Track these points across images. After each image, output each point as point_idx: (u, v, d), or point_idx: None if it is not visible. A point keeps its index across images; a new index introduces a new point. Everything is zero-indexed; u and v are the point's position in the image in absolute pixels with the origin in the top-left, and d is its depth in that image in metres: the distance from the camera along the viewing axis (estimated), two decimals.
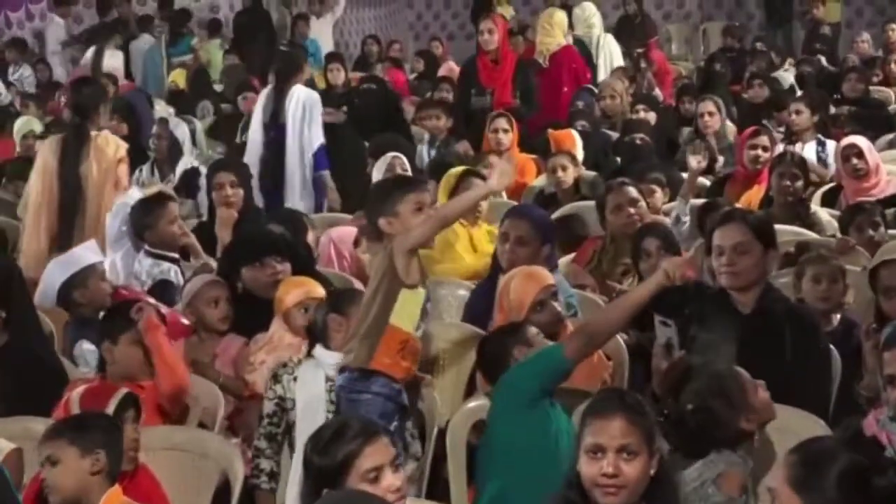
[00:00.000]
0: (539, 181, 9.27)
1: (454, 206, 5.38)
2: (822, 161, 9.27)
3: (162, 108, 12.85)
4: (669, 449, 4.02)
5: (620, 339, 5.63)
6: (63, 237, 7.54)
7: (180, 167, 9.79)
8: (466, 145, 10.07)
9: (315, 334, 5.19)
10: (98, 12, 17.54)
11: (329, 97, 11.57)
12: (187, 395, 5.17)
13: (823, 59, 14.83)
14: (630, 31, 15.72)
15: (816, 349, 5.21)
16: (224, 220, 7.31)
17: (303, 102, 9.46)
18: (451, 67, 14.46)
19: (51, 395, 4.74)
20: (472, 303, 6.31)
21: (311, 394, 5.00)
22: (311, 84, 10.29)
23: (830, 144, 9.24)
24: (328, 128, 9.52)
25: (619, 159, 9.52)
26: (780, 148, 8.90)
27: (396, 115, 11.04)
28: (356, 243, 7.07)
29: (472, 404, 5.03)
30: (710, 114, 10.13)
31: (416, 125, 11.14)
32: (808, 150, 9.30)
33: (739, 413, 4.18)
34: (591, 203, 7.60)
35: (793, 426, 4.40)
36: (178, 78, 14.94)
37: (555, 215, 7.76)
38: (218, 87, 15.20)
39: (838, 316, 5.79)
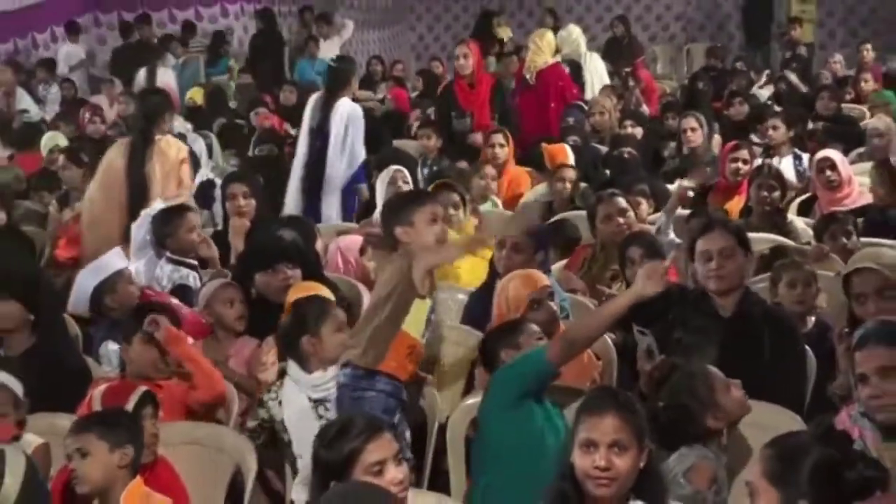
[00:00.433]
0: (532, 192, 9.27)
1: (480, 239, 5.71)
2: (799, 173, 9.28)
3: (180, 124, 12.87)
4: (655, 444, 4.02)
5: (609, 339, 5.64)
6: (128, 232, 7.52)
7: (197, 179, 9.80)
8: (464, 163, 10.06)
9: (288, 354, 5.16)
10: (121, 34, 17.60)
11: None
12: (224, 400, 5.20)
13: (794, 77, 14.80)
14: (618, 51, 15.73)
15: (793, 350, 5.22)
16: (237, 228, 7.32)
17: (347, 116, 9.56)
18: None
19: (75, 394, 4.75)
20: (471, 306, 6.31)
21: (297, 409, 4.96)
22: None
23: (806, 158, 9.26)
24: None
25: (608, 172, 9.52)
26: (758, 161, 8.92)
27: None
28: (362, 251, 7.07)
29: (470, 401, 5.02)
30: (693, 129, 10.19)
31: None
32: (786, 164, 9.33)
33: (707, 411, 4.20)
34: (584, 212, 7.61)
35: (770, 422, 4.40)
36: (196, 95, 14.93)
37: (551, 220, 7.86)
38: (232, 104, 15.24)
39: (813, 319, 5.80)
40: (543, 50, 11.93)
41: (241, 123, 13.22)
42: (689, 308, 5.28)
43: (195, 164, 9.78)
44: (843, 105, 12.68)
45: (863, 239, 6.92)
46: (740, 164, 8.59)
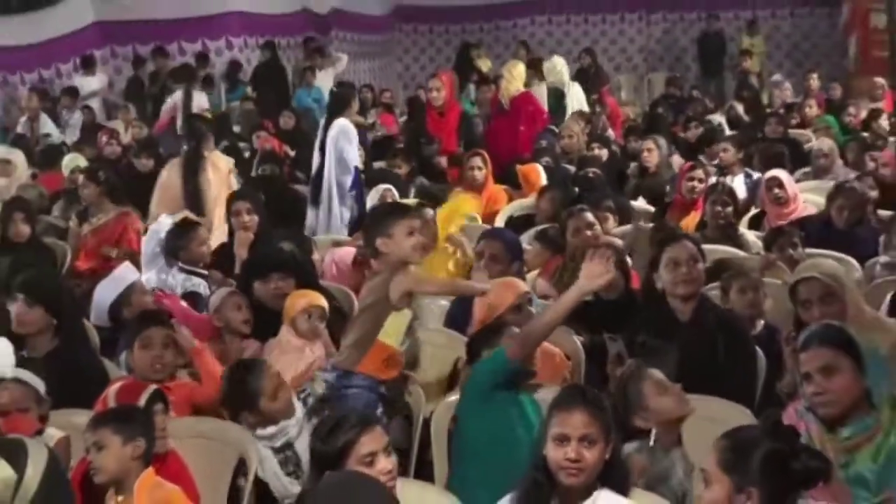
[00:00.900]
0: (511, 207, 9.28)
1: (466, 288, 5.63)
2: (750, 191, 9.29)
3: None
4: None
5: (578, 341, 5.64)
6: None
7: None
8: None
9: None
10: (133, 66, 17.60)
11: None
12: None
13: (740, 108, 14.84)
14: (586, 80, 15.72)
15: (744, 351, 5.23)
16: (241, 241, 7.31)
17: (338, 130, 9.61)
18: None
19: (93, 392, 4.72)
20: (452, 312, 6.31)
21: (268, 465, 4.81)
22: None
23: (756, 176, 9.29)
24: None
25: (577, 190, 9.53)
26: (713, 180, 8.94)
27: None
28: (354, 262, 7.06)
29: (452, 398, 5.02)
30: (650, 150, 10.29)
31: None
32: (738, 182, 9.34)
33: (633, 412, 4.22)
34: None
35: (723, 416, 4.40)
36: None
37: (536, 229, 7.98)
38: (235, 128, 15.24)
39: (762, 322, 5.81)
40: (516, 79, 11.94)
41: (244, 146, 13.20)
42: (650, 314, 5.30)
43: None
44: (789, 129, 12.73)
45: (807, 250, 6.94)
46: (696, 183, 8.61)
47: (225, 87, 17.60)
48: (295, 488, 4.65)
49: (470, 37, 22.38)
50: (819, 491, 3.57)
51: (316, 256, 7.19)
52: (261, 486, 4.76)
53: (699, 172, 8.76)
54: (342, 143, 9.60)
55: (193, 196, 8.56)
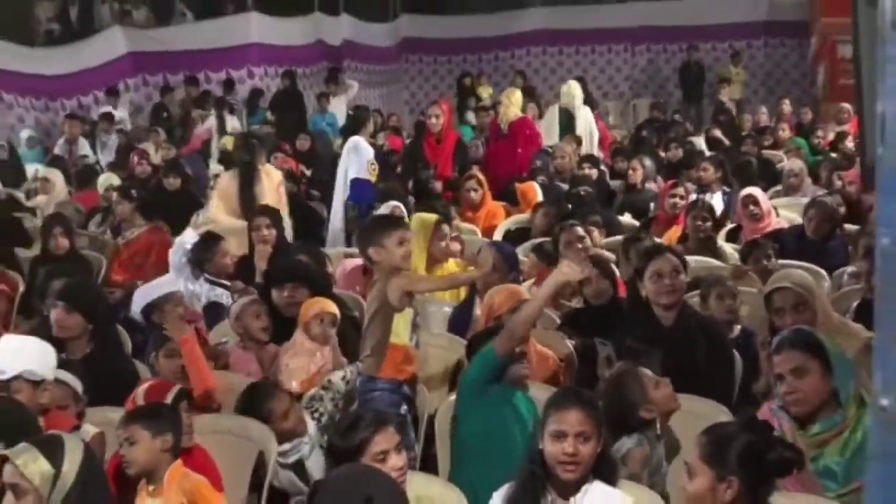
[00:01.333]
0: (510, 222, 9.27)
1: (456, 280, 5.73)
2: (727, 206, 9.29)
3: (215, 167, 12.88)
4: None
5: (570, 345, 5.63)
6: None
7: None
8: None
9: None
10: (161, 94, 17.64)
11: None
12: (214, 394, 5.13)
13: (718, 132, 14.83)
14: None
15: (723, 354, 5.23)
16: (261, 253, 7.31)
17: (348, 147, 10.06)
18: None
19: (126, 392, 4.70)
20: (455, 317, 6.31)
21: (285, 479, 4.79)
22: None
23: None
24: None
25: (569, 205, 9.53)
26: (693, 196, 8.94)
27: None
28: (364, 272, 7.05)
29: (454, 396, 5.01)
30: (634, 169, 10.36)
31: None
32: (716, 199, 9.33)
33: (640, 405, 4.19)
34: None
35: (704, 413, 4.40)
36: (228, 142, 14.94)
37: (531, 242, 8.00)
38: None
39: (739, 327, 5.80)
40: (513, 104, 12.00)
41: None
42: (636, 320, 5.29)
43: None
44: (763, 150, 12.73)
45: (781, 261, 6.94)
46: (677, 199, 8.63)
47: (246, 112, 17.63)
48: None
49: (471, 67, 22.41)
50: (791, 481, 3.57)
51: (329, 269, 7.17)
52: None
53: (680, 190, 8.81)
54: (351, 156, 9.90)
55: (249, 203, 8.70)
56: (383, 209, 8.40)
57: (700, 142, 13.79)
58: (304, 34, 19.79)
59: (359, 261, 7.25)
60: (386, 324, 4.98)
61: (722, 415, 4.46)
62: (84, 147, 14.57)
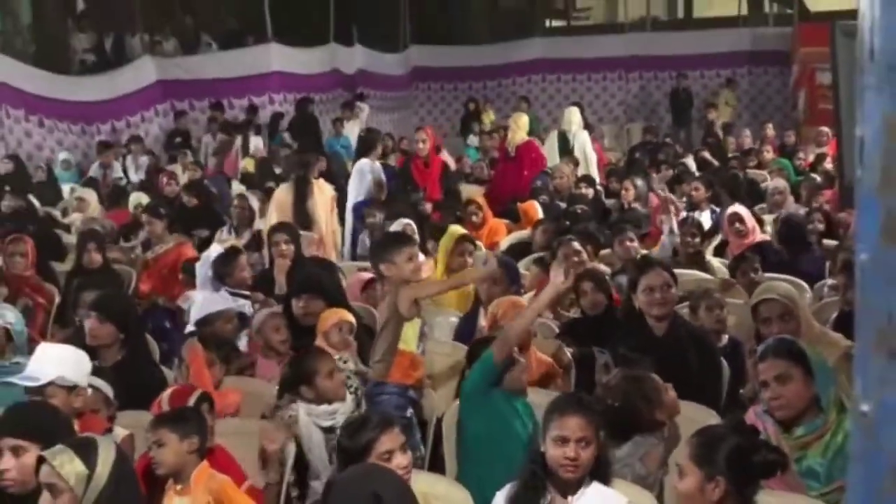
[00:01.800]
0: (511, 238, 9.26)
1: (459, 281, 5.65)
2: (714, 223, 9.28)
3: (237, 187, 12.89)
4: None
5: (568, 353, 5.62)
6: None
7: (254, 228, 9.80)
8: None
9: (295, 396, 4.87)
10: (175, 118, 17.71)
11: None
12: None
13: (707, 154, 14.83)
14: None
15: (712, 361, 5.22)
16: (280, 267, 7.30)
17: (353, 172, 10.30)
18: (444, 157, 14.49)
19: (153, 397, 4.69)
20: (460, 327, 6.31)
21: (313, 438, 4.73)
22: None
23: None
24: None
25: (567, 222, 9.52)
26: (683, 214, 8.94)
27: None
28: (364, 286, 7.02)
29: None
30: (626, 189, 10.49)
31: None
32: (705, 216, 9.33)
33: (655, 407, 4.17)
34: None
35: (694, 417, 4.37)
36: (249, 164, 14.98)
37: (532, 256, 8.02)
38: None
39: (727, 336, 5.79)
40: (521, 128, 12.06)
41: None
42: (630, 330, 5.29)
43: (251, 214, 9.79)
44: (748, 170, 12.72)
45: (766, 274, 6.93)
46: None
47: (267, 134, 17.71)
48: (327, 472, 4.60)
49: (476, 93, 22.46)
50: (776, 481, 3.55)
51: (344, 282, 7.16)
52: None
53: (672, 207, 8.76)
54: (354, 180, 10.17)
55: (302, 215, 9.03)
56: (395, 227, 8.41)
57: (691, 162, 13.79)
58: (321, 63, 19.86)
59: (362, 275, 7.24)
60: (396, 332, 4.98)
61: (711, 419, 4.44)
62: (117, 170, 14.63)
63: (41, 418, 3.92)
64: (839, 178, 9.78)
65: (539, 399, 4.55)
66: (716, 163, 14.12)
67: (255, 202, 10.68)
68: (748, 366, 4.99)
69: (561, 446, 3.65)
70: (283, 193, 9.47)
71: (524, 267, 7.69)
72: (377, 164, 10.80)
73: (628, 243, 7.07)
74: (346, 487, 3.27)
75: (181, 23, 21.94)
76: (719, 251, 8.35)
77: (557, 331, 6.20)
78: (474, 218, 9.46)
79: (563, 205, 10.50)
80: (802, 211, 9.09)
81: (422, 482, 3.95)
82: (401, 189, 10.60)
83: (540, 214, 9.48)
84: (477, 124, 19.95)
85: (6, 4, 18.02)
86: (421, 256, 7.12)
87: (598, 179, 12.24)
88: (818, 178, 11.05)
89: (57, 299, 7.66)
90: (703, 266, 7.55)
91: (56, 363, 4.50)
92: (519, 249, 8.73)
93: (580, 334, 5.83)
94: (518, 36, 23.86)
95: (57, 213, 11.96)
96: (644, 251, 7.97)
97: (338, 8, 19.81)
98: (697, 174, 11.77)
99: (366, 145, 10.49)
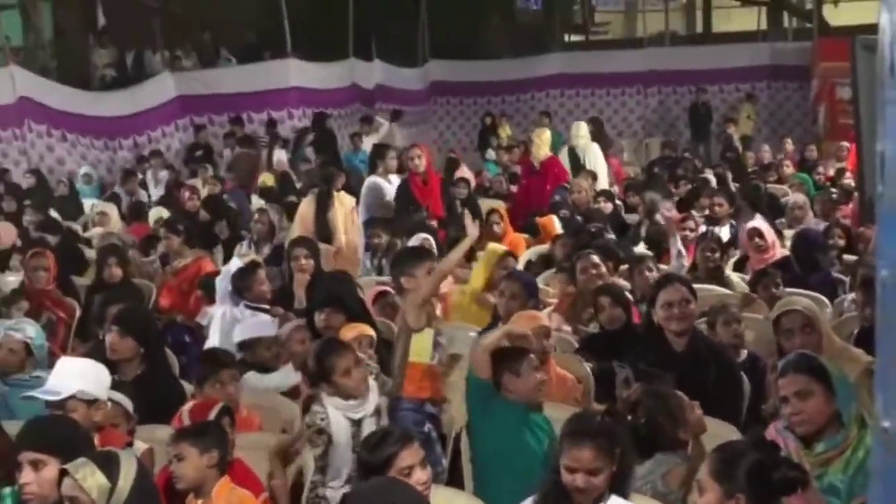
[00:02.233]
0: (531, 252, 9.25)
1: (444, 266, 5.37)
2: (734, 237, 9.25)
3: (256, 201, 12.93)
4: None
5: (588, 368, 5.61)
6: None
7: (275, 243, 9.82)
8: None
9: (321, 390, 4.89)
10: (195, 132, 17.82)
11: None
12: None
13: (726, 168, 14.78)
14: None
15: (731, 377, 5.20)
16: (299, 282, 7.31)
17: (364, 185, 10.61)
18: (464, 171, 14.51)
19: (172, 411, 4.70)
20: None
21: (342, 430, 4.73)
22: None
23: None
24: None
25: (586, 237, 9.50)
26: (702, 229, 8.93)
27: None
28: (374, 300, 7.01)
29: None
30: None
31: None
32: (724, 231, 9.30)
33: (679, 426, 4.15)
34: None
35: (714, 432, 4.35)
36: (268, 179, 15.01)
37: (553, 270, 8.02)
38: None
39: (745, 351, 5.78)
40: (544, 143, 12.18)
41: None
42: (650, 345, 5.28)
43: (271, 229, 9.81)
44: (768, 185, 12.69)
45: (787, 289, 6.90)
46: (687, 232, 8.64)
47: (292, 149, 17.78)
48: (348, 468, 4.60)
49: (494, 108, 22.47)
50: (797, 498, 3.53)
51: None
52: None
53: (690, 223, 8.83)
54: (363, 198, 10.39)
55: (323, 227, 9.24)
56: (413, 241, 8.42)
57: (712, 177, 13.75)
58: (340, 78, 19.92)
59: (374, 288, 7.23)
60: (405, 345, 5.01)
61: (731, 434, 4.42)
62: (141, 196, 14.60)
63: (61, 432, 3.93)
64: (859, 194, 9.77)
65: (558, 414, 4.55)
66: (731, 179, 14.06)
67: (274, 216, 10.73)
68: (769, 381, 4.96)
69: (571, 474, 3.66)
70: (305, 207, 9.63)
71: (544, 281, 7.69)
72: (385, 180, 10.76)
73: (647, 273, 7.01)
74: (364, 501, 3.26)
75: (200, 38, 22.07)
76: (740, 266, 8.32)
77: (577, 346, 6.20)
78: (495, 227, 9.43)
79: (581, 219, 10.48)
80: (822, 226, 9.05)
81: (441, 497, 3.95)
82: (403, 208, 10.28)
83: (559, 229, 9.47)
84: (494, 139, 19.98)
85: (28, 20, 18.17)
86: None
87: (615, 192, 12.23)
88: (834, 193, 11.01)
89: (78, 313, 7.69)
90: (723, 281, 7.52)
91: (76, 377, 4.52)
92: (539, 264, 8.72)
93: (599, 349, 5.82)
94: (537, 51, 23.89)
95: (77, 227, 12.02)
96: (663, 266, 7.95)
97: (357, 23, 19.88)
98: (718, 188, 11.74)
99: (373, 161, 10.51)
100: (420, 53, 22.56)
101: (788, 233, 9.30)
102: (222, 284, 7.06)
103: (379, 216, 10.20)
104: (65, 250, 9.25)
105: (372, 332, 5.68)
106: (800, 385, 3.95)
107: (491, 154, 18.93)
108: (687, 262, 7.64)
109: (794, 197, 10.62)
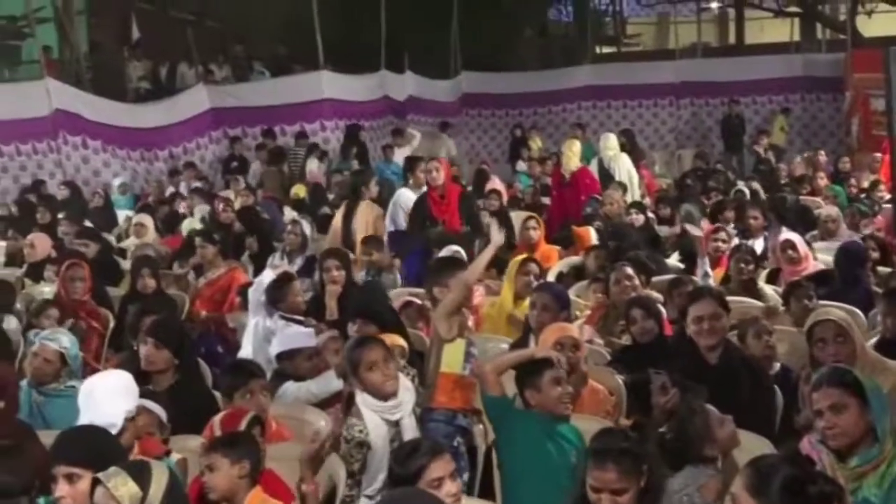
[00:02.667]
0: (563, 263, 9.22)
1: (469, 276, 5.33)
2: (766, 249, 9.19)
3: (289, 213, 12.98)
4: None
5: (620, 379, 5.58)
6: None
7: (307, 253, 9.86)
8: None
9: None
10: (230, 143, 17.93)
11: None
12: None
13: (756, 184, 14.67)
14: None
15: (765, 389, 5.17)
16: (331, 293, 7.33)
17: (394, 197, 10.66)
18: (495, 183, 14.51)
19: (205, 421, 4.71)
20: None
21: (380, 433, 4.77)
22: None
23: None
24: None
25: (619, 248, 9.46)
26: (735, 241, 8.88)
27: None
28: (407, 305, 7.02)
29: None
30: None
31: None
32: (758, 244, 9.25)
33: (704, 443, 4.12)
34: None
35: (747, 446, 4.32)
36: (300, 191, 15.06)
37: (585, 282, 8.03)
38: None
39: (778, 364, 5.74)
40: (575, 155, 12.18)
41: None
42: (682, 357, 5.25)
43: (304, 241, 9.85)
44: (802, 197, 12.61)
45: (821, 302, 6.85)
46: (720, 244, 8.61)
47: (339, 159, 17.92)
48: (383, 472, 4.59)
49: (525, 120, 22.48)
50: None
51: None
52: None
53: (723, 235, 8.80)
54: (390, 209, 10.42)
55: (346, 236, 9.50)
56: (445, 252, 8.41)
57: (745, 188, 13.68)
58: (372, 91, 19.99)
59: (402, 299, 7.23)
60: (436, 355, 5.00)
61: (764, 447, 4.39)
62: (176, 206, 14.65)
63: (95, 445, 3.95)
64: (894, 205, 9.68)
65: (589, 426, 4.53)
66: (763, 194, 13.98)
67: (307, 228, 10.76)
68: (802, 392, 4.92)
69: (596, 493, 3.67)
70: (337, 217, 9.80)
71: (576, 293, 7.66)
72: (416, 192, 10.72)
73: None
74: None
75: (233, 51, 22.22)
76: (772, 278, 8.26)
77: (608, 358, 6.17)
78: (532, 233, 9.36)
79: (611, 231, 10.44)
80: (856, 237, 8.97)
81: None
82: (418, 223, 9.84)
83: (594, 240, 9.45)
84: (525, 150, 19.98)
85: (64, 34, 18.35)
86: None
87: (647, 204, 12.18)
88: (862, 206, 10.93)
89: (111, 324, 7.74)
90: (756, 293, 7.47)
91: (119, 400, 4.54)
92: (571, 276, 8.69)
93: (631, 362, 5.79)
94: (568, 62, 23.91)
95: (111, 238, 12.10)
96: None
97: (389, 35, 19.95)
98: (752, 201, 11.67)
99: (405, 174, 10.59)
100: (452, 65, 22.61)
101: (820, 245, 9.24)
102: (254, 296, 7.08)
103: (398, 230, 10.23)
104: (101, 261, 9.32)
105: (404, 343, 5.69)
106: (834, 399, 3.92)
107: (521, 166, 18.94)
108: (713, 282, 7.56)
109: (827, 209, 10.55)
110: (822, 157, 16.20)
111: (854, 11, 23.18)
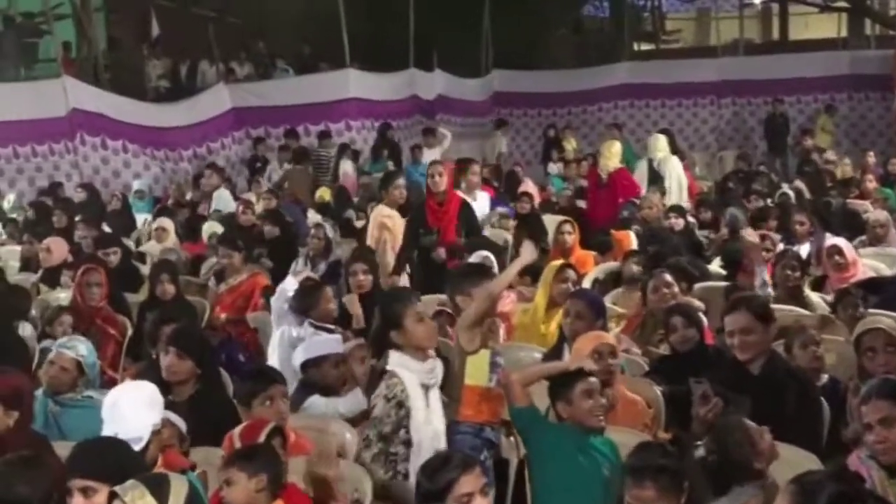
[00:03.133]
0: (599, 269, 9.20)
1: (493, 287, 5.20)
2: (810, 255, 9.13)
3: (312, 216, 13.02)
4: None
5: (658, 390, 5.56)
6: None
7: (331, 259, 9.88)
8: None
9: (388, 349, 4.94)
10: (254, 144, 18.03)
11: None
12: None
13: (802, 185, 14.59)
14: None
15: (811, 401, 5.13)
16: (349, 300, 7.37)
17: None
18: (528, 185, 14.50)
19: (226, 430, 4.73)
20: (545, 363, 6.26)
21: (418, 395, 4.81)
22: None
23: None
24: None
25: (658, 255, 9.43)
26: (780, 247, 8.85)
27: None
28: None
29: None
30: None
31: None
32: (804, 249, 9.20)
33: (752, 457, 4.09)
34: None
35: (792, 461, 4.30)
36: (325, 194, 15.10)
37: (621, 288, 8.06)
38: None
39: (826, 376, 5.70)
40: (614, 156, 12.17)
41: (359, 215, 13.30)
42: (726, 367, 5.23)
43: (327, 245, 9.86)
44: (849, 200, 12.53)
45: (871, 310, 6.80)
46: (764, 252, 8.56)
47: (371, 160, 18.05)
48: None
49: (559, 119, 22.45)
50: None
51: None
52: None
53: (767, 242, 8.82)
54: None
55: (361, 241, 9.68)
56: (474, 258, 8.40)
57: (790, 191, 13.62)
58: (399, 89, 20.04)
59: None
60: (460, 368, 4.99)
61: (811, 463, 4.36)
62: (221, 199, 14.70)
63: (111, 458, 3.97)
64: None
65: (626, 439, 4.52)
66: (808, 195, 13.91)
67: (331, 232, 10.79)
68: (850, 405, 4.88)
69: None
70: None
71: (612, 300, 7.64)
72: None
73: None
74: None
75: (255, 48, 22.31)
76: (818, 286, 8.21)
77: (646, 368, 6.14)
78: (567, 237, 9.34)
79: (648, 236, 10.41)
80: None
81: None
82: (412, 232, 9.34)
83: (634, 245, 9.42)
84: (556, 152, 19.93)
85: (83, 31, 18.49)
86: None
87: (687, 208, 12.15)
88: None
89: (129, 331, 7.76)
90: (802, 301, 7.43)
91: (146, 412, 4.56)
92: (608, 282, 8.67)
93: (670, 372, 5.77)
94: (604, 60, 23.85)
95: (130, 242, 12.16)
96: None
97: (418, 32, 19.98)
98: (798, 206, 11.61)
99: (379, 189, 10.66)
100: (483, 63, 22.60)
101: (869, 251, 9.18)
102: (277, 304, 7.07)
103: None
104: (119, 266, 9.37)
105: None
106: (884, 412, 3.90)
107: (553, 168, 18.91)
108: (772, 291, 7.54)
109: (876, 214, 10.47)
110: (871, 158, 16.10)
111: None
